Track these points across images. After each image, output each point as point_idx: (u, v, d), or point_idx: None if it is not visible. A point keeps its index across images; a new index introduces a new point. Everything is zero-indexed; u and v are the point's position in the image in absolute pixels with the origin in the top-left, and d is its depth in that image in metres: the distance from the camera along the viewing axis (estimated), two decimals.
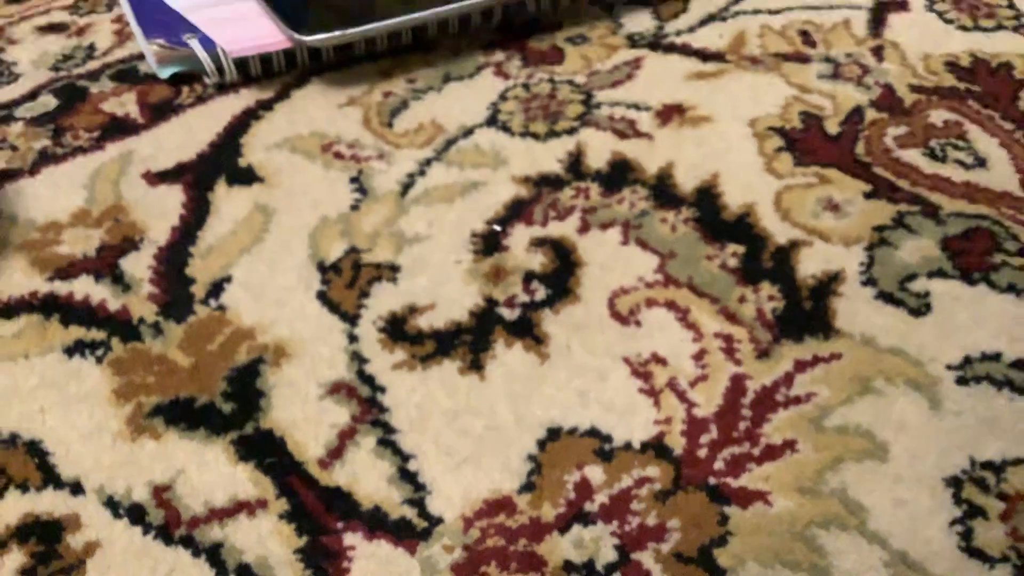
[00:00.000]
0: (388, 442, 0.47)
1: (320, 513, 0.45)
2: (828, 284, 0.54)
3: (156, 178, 0.62)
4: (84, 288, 0.55)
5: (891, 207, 0.58)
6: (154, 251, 0.57)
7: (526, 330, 0.52)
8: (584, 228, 0.58)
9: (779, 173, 0.60)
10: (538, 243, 0.57)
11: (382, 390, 0.50)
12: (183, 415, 0.49)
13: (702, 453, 0.46)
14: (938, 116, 0.64)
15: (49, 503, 0.46)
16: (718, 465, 0.46)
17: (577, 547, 0.43)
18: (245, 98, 0.69)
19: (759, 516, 0.44)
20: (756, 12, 0.75)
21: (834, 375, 0.49)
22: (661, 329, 0.52)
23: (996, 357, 0.50)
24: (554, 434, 0.47)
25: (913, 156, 0.61)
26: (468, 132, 0.65)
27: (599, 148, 0.63)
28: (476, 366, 0.51)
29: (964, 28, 0.72)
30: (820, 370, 0.49)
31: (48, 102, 0.69)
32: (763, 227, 0.57)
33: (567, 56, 0.72)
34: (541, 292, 0.54)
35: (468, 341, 0.52)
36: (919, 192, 0.59)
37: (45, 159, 0.64)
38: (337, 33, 0.68)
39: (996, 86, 0.67)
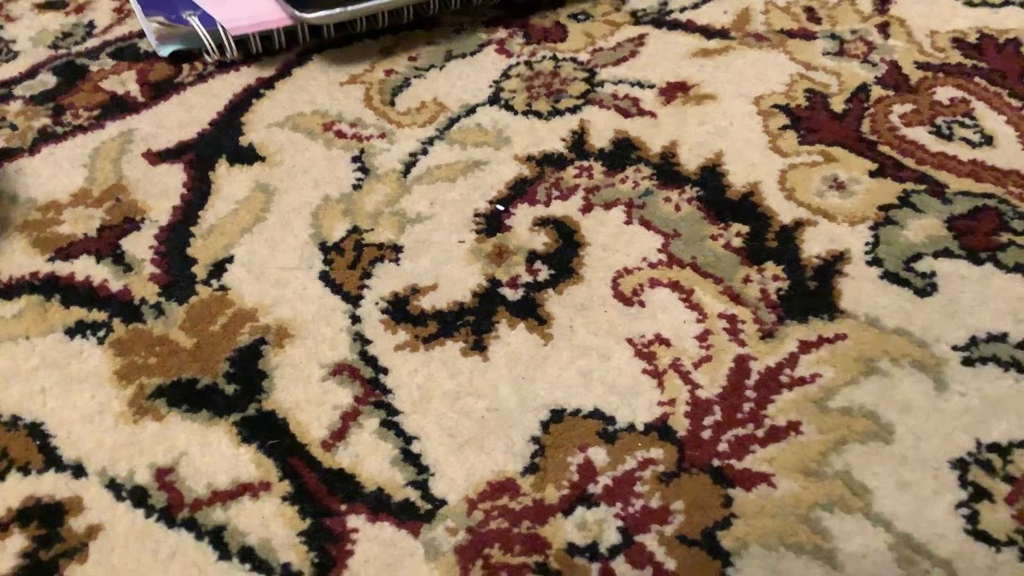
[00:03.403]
0: (391, 424, 0.47)
1: (323, 495, 0.45)
2: (833, 264, 0.53)
3: (157, 157, 0.62)
4: (85, 268, 0.55)
5: (897, 186, 0.57)
6: (155, 231, 0.57)
7: (529, 311, 0.52)
8: (587, 207, 0.57)
9: (784, 151, 0.60)
10: (541, 223, 0.56)
11: (384, 371, 0.50)
12: (185, 396, 0.49)
13: (706, 435, 0.46)
14: (944, 93, 0.64)
15: (51, 486, 0.45)
16: (722, 447, 0.46)
17: (581, 529, 0.43)
18: (246, 76, 0.68)
19: (763, 498, 0.44)
20: None
21: (839, 356, 0.49)
22: (665, 310, 0.52)
23: (1002, 338, 0.49)
24: (557, 415, 0.47)
25: (919, 134, 0.61)
26: (470, 110, 0.64)
27: (602, 126, 0.63)
28: (479, 347, 0.50)
29: (971, 4, 0.72)
30: (825, 351, 0.49)
31: (47, 80, 0.69)
32: (768, 206, 0.57)
33: (570, 33, 0.71)
34: (544, 272, 0.54)
35: (471, 322, 0.52)
36: (925, 170, 0.58)
37: (45, 138, 0.64)
38: (338, 10, 0.67)
39: (1003, 63, 0.66)
